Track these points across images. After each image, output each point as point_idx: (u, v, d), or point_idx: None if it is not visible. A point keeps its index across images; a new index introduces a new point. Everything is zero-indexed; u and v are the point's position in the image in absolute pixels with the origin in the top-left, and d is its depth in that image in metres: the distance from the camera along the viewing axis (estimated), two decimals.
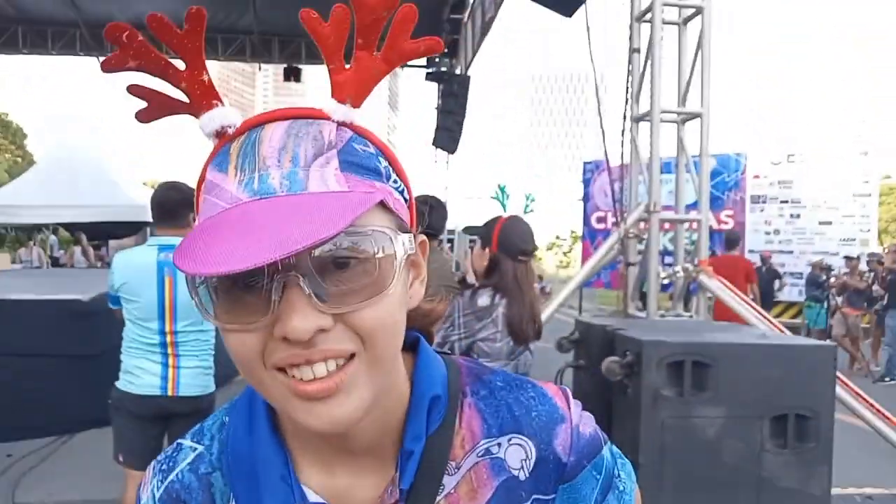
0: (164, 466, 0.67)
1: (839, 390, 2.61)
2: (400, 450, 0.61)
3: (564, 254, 29.95)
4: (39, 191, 11.33)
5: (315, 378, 0.51)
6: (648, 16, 3.77)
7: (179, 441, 0.69)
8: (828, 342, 2.89)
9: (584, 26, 4.10)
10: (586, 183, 14.63)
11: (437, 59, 12.83)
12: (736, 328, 3.26)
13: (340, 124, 0.57)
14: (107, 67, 0.57)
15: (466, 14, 10.62)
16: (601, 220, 13.75)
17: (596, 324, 3.09)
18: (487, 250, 2.61)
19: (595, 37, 4.08)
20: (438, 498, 0.62)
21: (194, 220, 1.53)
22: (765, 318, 3.29)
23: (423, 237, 0.62)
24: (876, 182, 14.01)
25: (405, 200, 0.60)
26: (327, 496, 0.62)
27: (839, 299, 10.57)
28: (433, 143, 13.26)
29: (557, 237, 30.18)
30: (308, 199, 0.50)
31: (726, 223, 12.43)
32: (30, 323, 5.39)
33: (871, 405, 2.87)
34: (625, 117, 4.01)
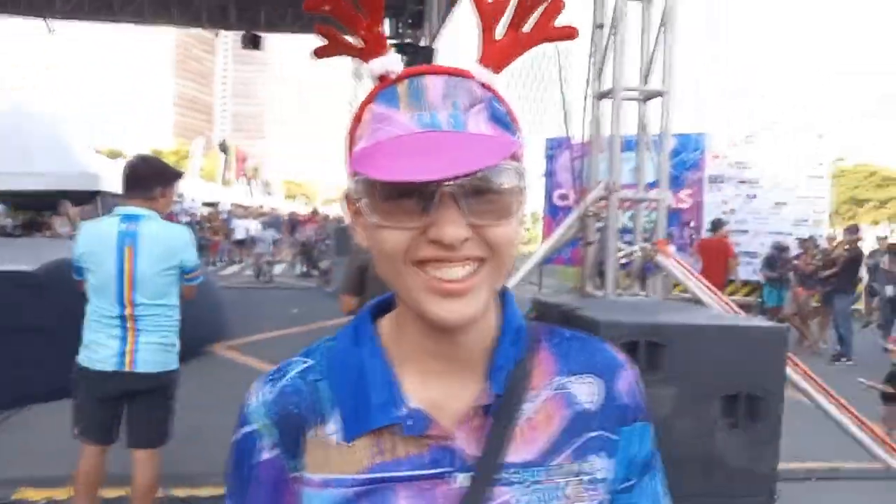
0: (274, 376, 0.75)
1: (789, 370, 2.65)
2: (491, 365, 0.71)
3: (526, 230, 30.06)
4: None
5: (453, 279, 0.63)
6: None
7: (287, 359, 0.77)
8: (779, 324, 2.93)
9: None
10: (549, 159, 14.62)
11: (400, 31, 12.63)
12: (690, 308, 3.29)
13: (484, 85, 0.68)
14: (307, 8, 0.68)
15: None
16: (563, 197, 13.78)
17: (552, 303, 3.08)
18: None
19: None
20: (519, 421, 0.71)
21: (162, 194, 2.28)
22: (719, 297, 3.33)
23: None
24: (829, 164, 14.33)
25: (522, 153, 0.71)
26: (424, 405, 0.70)
27: (792, 279, 10.83)
28: None
29: None
30: (470, 136, 0.63)
31: (685, 202, 12.59)
32: None
33: (820, 385, 2.94)
34: (587, 94, 3.98)
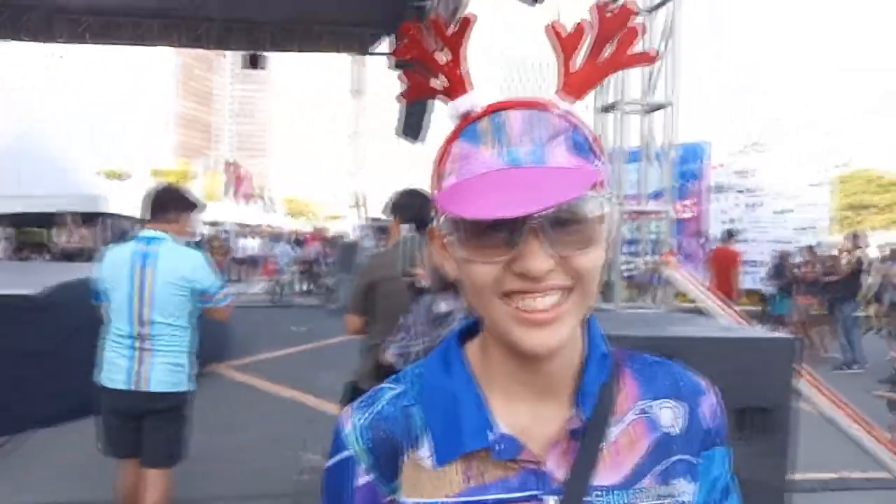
0: (366, 403, 0.78)
1: (800, 381, 2.64)
2: (578, 391, 0.73)
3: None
4: None
5: (539, 309, 0.65)
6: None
7: (380, 386, 0.80)
8: (787, 335, 2.93)
9: (547, 14, 4.06)
10: None
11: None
12: (698, 320, 3.28)
13: (565, 116, 0.70)
14: (397, 54, 0.76)
15: (430, 2, 10.54)
16: None
17: None
18: None
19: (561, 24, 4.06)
20: (604, 445, 0.73)
21: (176, 218, 2.81)
22: (726, 308, 3.32)
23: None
24: (831, 171, 14.36)
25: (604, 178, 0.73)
26: (512, 430, 0.72)
27: (795, 287, 10.81)
28: (397, 133, 13.18)
29: None
30: (550, 171, 0.65)
31: (687, 212, 12.59)
32: None
33: (830, 395, 2.93)
34: (590, 107, 4.01)
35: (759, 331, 3.03)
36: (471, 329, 0.79)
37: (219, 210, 27.03)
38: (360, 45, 13.69)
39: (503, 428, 0.72)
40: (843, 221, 43.62)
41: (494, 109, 0.69)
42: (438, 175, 0.72)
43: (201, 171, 28.31)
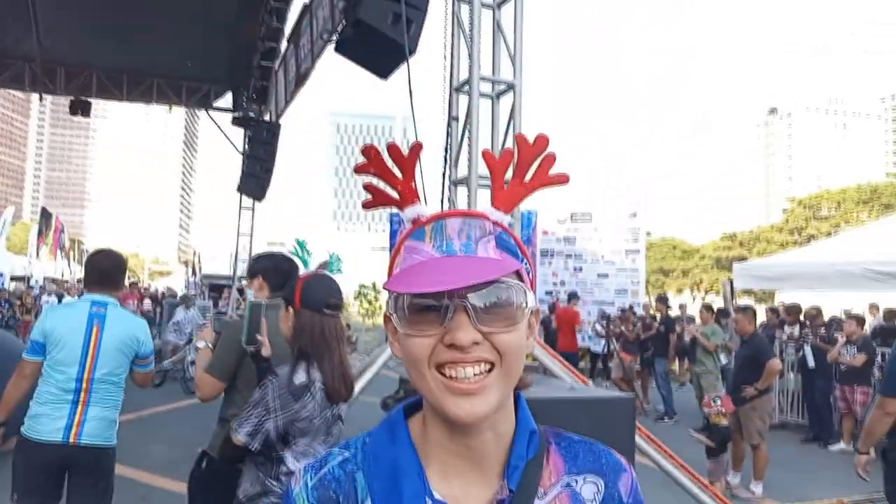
0: (316, 465, 0.85)
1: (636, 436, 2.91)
2: (506, 464, 0.80)
3: (370, 302, 30.06)
4: None
5: (466, 379, 0.73)
6: (466, 87, 4.05)
7: (328, 451, 0.87)
8: (626, 394, 3.22)
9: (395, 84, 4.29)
10: (393, 234, 14.98)
11: (244, 104, 12.54)
12: (546, 380, 3.52)
13: (495, 223, 0.83)
14: (359, 171, 0.86)
15: (277, 63, 10.56)
16: None
17: None
18: (291, 310, 2.44)
19: (403, 98, 4.30)
20: None
21: (122, 284, 2.81)
22: (570, 370, 3.59)
23: (538, 307, 0.85)
24: (643, 239, 15.96)
25: (530, 279, 0.84)
26: (447, 500, 0.78)
27: (617, 345, 11.76)
28: (238, 189, 12.83)
29: (362, 286, 30.25)
30: (477, 259, 0.78)
31: None
32: None
33: (660, 446, 3.24)
34: (443, 179, 4.23)
35: (602, 391, 3.31)
36: (414, 405, 0.87)
37: (27, 265, 24.45)
38: (200, 98, 13.30)
39: (439, 496, 0.78)
40: (654, 283, 48.16)
41: (439, 217, 0.83)
42: (391, 268, 0.84)
43: (9, 221, 25.56)
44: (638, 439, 3.12)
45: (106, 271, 3.31)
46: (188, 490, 2.91)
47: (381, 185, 0.87)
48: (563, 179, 0.88)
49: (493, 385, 0.74)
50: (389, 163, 0.85)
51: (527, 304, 0.77)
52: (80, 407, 3.10)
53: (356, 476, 0.82)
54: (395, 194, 0.86)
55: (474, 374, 0.73)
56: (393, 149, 0.84)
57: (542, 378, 3.74)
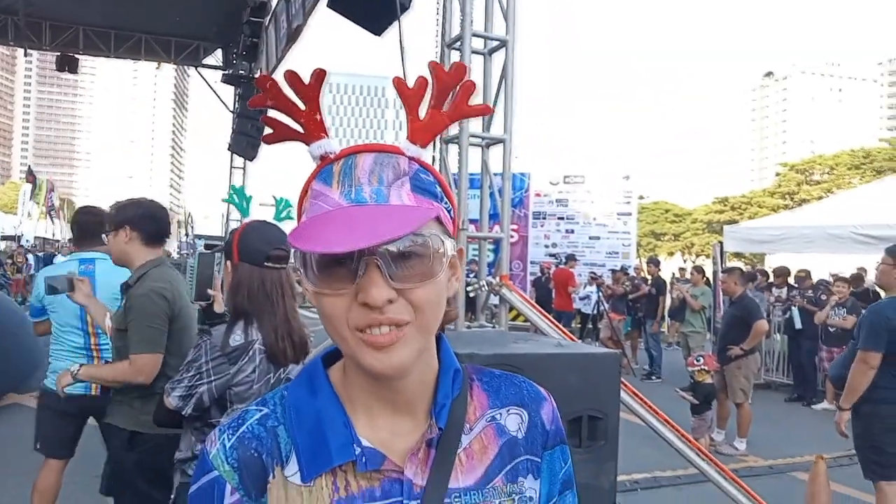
0: (234, 424, 0.80)
1: (621, 391, 2.96)
2: (433, 404, 0.80)
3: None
4: None
5: (381, 333, 0.70)
6: (458, 44, 4.00)
7: (244, 408, 0.83)
8: (612, 350, 3.27)
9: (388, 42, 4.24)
10: None
11: (234, 62, 12.34)
12: (534, 337, 3.56)
13: (411, 159, 0.77)
14: (252, 104, 0.80)
15: (268, 19, 10.35)
16: None
17: None
18: (229, 263, 2.22)
19: (396, 58, 4.25)
20: (459, 451, 0.80)
21: (108, 239, 2.52)
22: (557, 327, 3.64)
23: (461, 246, 0.81)
24: (635, 202, 15.99)
25: (451, 218, 0.80)
26: (374, 444, 0.77)
27: (607, 306, 11.87)
28: (229, 148, 12.72)
29: None
30: (389, 209, 0.71)
31: (512, 237, 13.35)
32: None
33: (645, 402, 3.31)
34: (435, 139, 4.21)
35: (589, 347, 3.35)
36: (333, 354, 0.84)
37: (17, 224, 24.31)
38: (190, 55, 13.08)
39: (366, 442, 0.76)
40: (645, 247, 48.38)
41: (347, 153, 0.76)
42: (299, 213, 0.79)
43: None
44: (624, 395, 3.18)
45: (89, 227, 3.37)
46: (116, 476, 2.84)
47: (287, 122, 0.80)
48: (485, 110, 0.86)
49: (409, 336, 0.72)
50: (290, 93, 0.77)
51: (445, 251, 0.73)
52: (95, 361, 3.30)
53: (278, 431, 0.78)
54: (298, 128, 0.79)
55: (390, 330, 0.71)
56: (292, 76, 0.77)
57: (530, 335, 3.79)
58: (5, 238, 21.28)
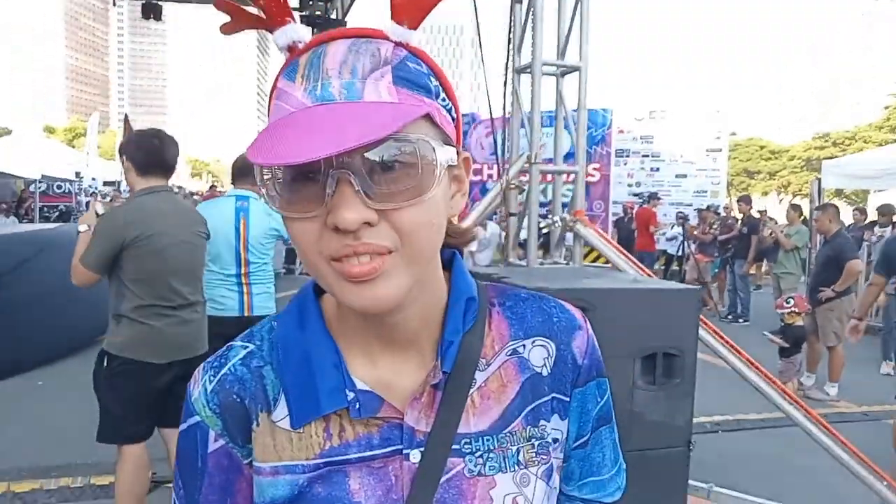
0: (216, 363, 0.71)
1: (700, 330, 2.83)
2: (440, 341, 0.68)
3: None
4: None
5: (359, 262, 0.57)
6: None
7: (230, 343, 0.73)
8: (693, 286, 3.12)
9: None
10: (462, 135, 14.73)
11: (310, 3, 12.30)
12: (609, 273, 3.44)
13: (397, 44, 0.61)
14: (224, 30, 0.67)
15: None
16: (476, 171, 13.95)
17: (479, 273, 3.15)
18: None
19: None
20: (472, 391, 0.69)
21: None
22: (634, 263, 3.50)
23: (466, 154, 0.67)
24: (725, 138, 15.17)
25: (452, 119, 0.65)
26: (372, 386, 0.67)
27: (693, 246, 11.45)
28: None
29: None
30: (362, 107, 0.56)
31: (593, 176, 12.98)
32: None
33: (727, 342, 3.15)
34: (506, 69, 4.04)
35: (666, 283, 3.21)
36: None
37: (117, 170, 25.62)
38: None
39: (362, 384, 0.67)
40: (737, 186, 46.25)
41: (319, 42, 0.61)
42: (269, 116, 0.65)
43: (95, 128, 26.59)
44: (703, 333, 3.04)
45: (245, 169, 3.77)
46: (94, 389, 2.90)
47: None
48: None
49: (394, 269, 0.59)
50: None
51: (437, 160, 0.58)
52: (245, 287, 3.70)
53: (263, 372, 0.69)
54: (258, 12, 0.63)
55: (368, 258, 0.58)
56: None
57: (605, 271, 3.66)
58: (107, 184, 22.47)
